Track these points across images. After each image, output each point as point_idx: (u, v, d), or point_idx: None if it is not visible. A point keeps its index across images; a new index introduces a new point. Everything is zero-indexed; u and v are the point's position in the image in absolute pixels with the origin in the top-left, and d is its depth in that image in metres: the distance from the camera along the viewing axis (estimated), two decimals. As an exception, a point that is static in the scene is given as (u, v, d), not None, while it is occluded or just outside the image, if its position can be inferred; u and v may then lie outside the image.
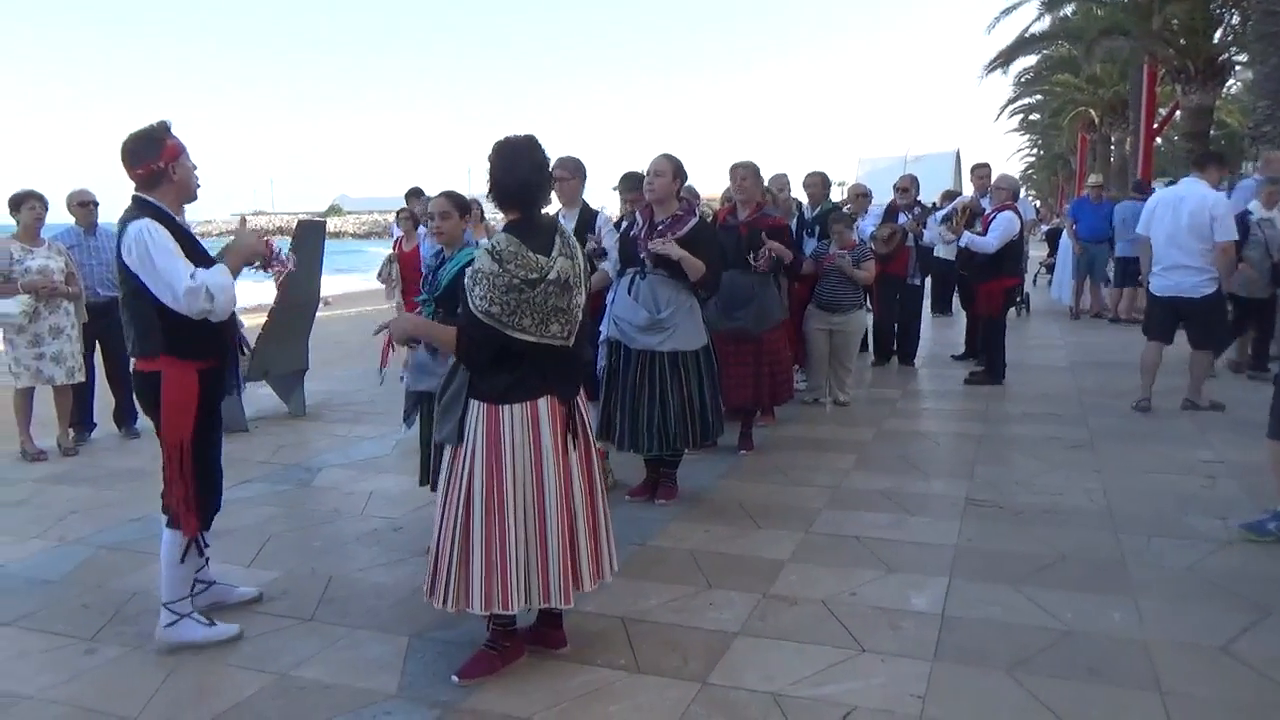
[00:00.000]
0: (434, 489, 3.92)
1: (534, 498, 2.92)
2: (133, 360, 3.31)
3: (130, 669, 3.18)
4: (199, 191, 3.33)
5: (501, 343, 2.83)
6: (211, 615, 3.42)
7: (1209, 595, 3.54)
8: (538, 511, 2.93)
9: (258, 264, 3.44)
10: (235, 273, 3.23)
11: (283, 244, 3.82)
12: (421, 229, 8.01)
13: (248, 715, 2.87)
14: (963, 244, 7.78)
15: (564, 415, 2.98)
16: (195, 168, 3.30)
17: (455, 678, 3.00)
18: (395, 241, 8.83)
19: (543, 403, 2.93)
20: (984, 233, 7.58)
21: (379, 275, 8.80)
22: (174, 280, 3.04)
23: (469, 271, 2.86)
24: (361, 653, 3.24)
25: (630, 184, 5.39)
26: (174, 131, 3.23)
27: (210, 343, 3.23)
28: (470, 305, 2.82)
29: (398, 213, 8.89)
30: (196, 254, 3.20)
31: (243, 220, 3.58)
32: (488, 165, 2.96)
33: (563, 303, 2.91)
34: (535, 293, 2.83)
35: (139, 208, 3.17)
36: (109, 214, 3.64)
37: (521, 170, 2.93)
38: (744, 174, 5.54)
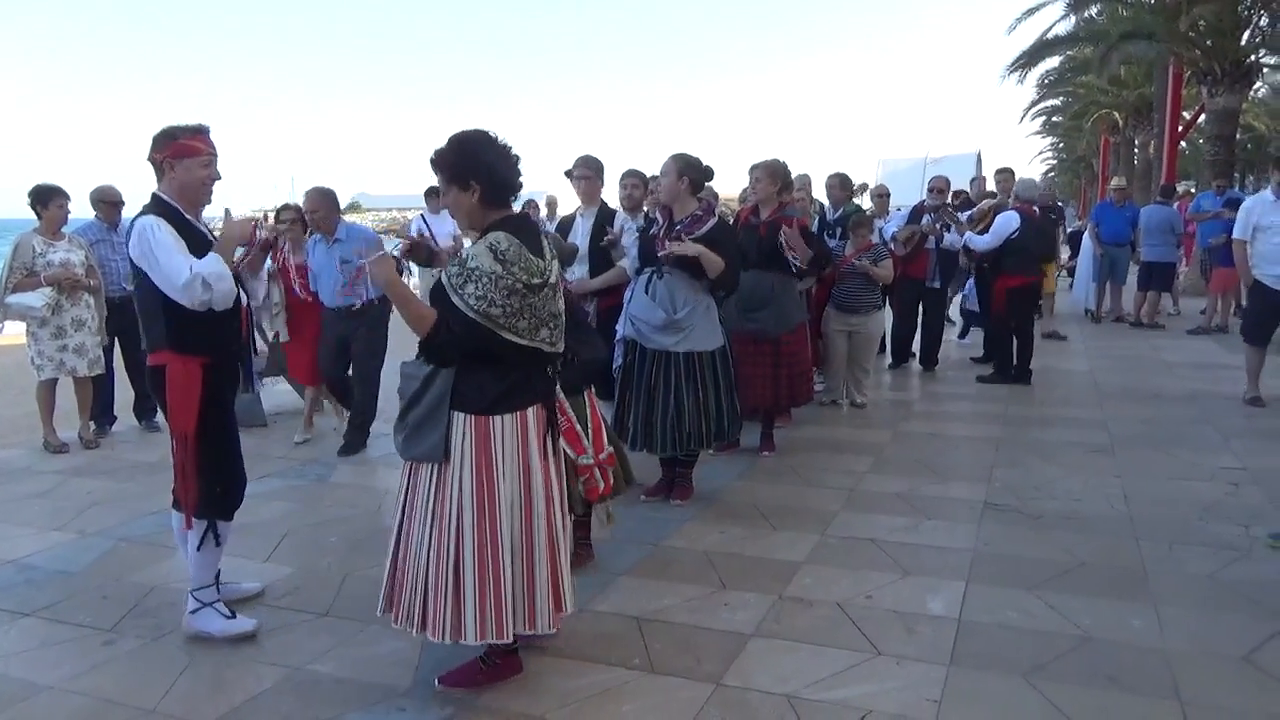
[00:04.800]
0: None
1: (523, 515, 2.80)
2: (146, 354, 3.36)
3: (149, 661, 3.21)
4: (210, 197, 3.36)
5: (486, 345, 2.69)
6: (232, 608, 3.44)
7: (1231, 604, 3.50)
8: (526, 530, 2.81)
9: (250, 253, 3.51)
10: (228, 259, 3.26)
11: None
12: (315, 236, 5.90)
13: (263, 709, 2.89)
14: (962, 242, 8.01)
15: (546, 420, 2.91)
16: (215, 178, 3.32)
17: (437, 681, 2.96)
18: (276, 253, 5.79)
19: (530, 412, 2.82)
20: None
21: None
22: (172, 273, 3.11)
23: (455, 270, 2.67)
24: (375, 649, 3.25)
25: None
26: (208, 137, 3.28)
27: (212, 339, 3.27)
28: (459, 303, 2.63)
29: (278, 211, 6.43)
30: (206, 251, 3.24)
31: (228, 212, 3.61)
32: (466, 160, 2.75)
33: (556, 308, 2.84)
34: (538, 298, 2.73)
35: (150, 204, 3.26)
36: (133, 210, 3.69)
37: (506, 162, 2.80)
38: (758, 175, 5.53)
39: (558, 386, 3.13)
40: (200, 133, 3.27)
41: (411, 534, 2.83)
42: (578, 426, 3.48)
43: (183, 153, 3.24)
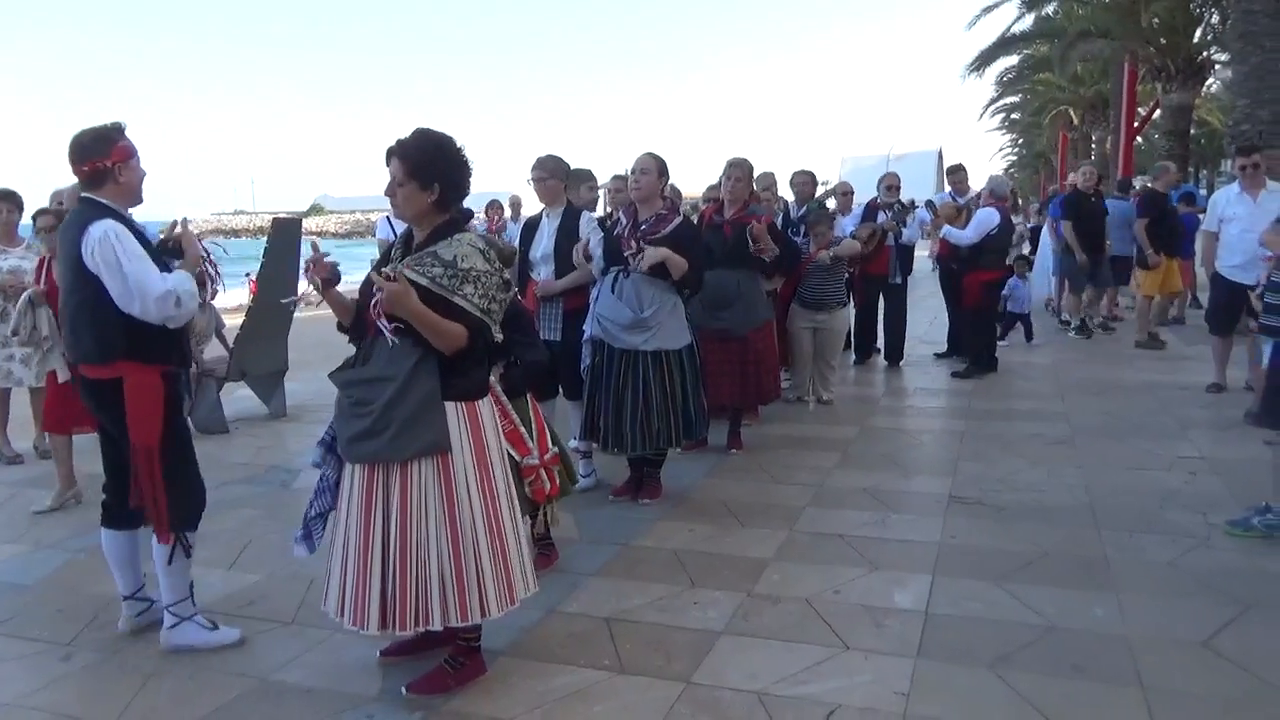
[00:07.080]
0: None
1: (508, 487, 2.95)
2: (77, 367, 3.22)
3: (107, 674, 3.15)
4: (144, 197, 3.29)
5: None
6: (214, 619, 3.39)
7: (1190, 590, 3.56)
8: (510, 500, 2.96)
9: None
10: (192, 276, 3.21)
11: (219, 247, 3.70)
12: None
13: (227, 720, 2.84)
14: (941, 236, 8.13)
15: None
16: (144, 174, 3.26)
17: (405, 689, 2.93)
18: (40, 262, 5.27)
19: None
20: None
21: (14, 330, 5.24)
22: (146, 285, 3.01)
23: (440, 272, 2.71)
24: (342, 656, 3.21)
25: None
26: (128, 134, 3.20)
27: (171, 345, 3.21)
28: (463, 304, 2.71)
29: (35, 216, 5.57)
30: (152, 258, 3.17)
31: (184, 222, 3.47)
32: (433, 160, 2.79)
33: None
34: (509, 293, 2.90)
35: (92, 208, 3.12)
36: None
37: (465, 170, 2.87)
38: (738, 175, 5.49)
39: (500, 389, 3.29)
40: (123, 130, 3.18)
41: (410, 536, 2.75)
42: (521, 428, 3.48)
43: (126, 154, 3.16)
